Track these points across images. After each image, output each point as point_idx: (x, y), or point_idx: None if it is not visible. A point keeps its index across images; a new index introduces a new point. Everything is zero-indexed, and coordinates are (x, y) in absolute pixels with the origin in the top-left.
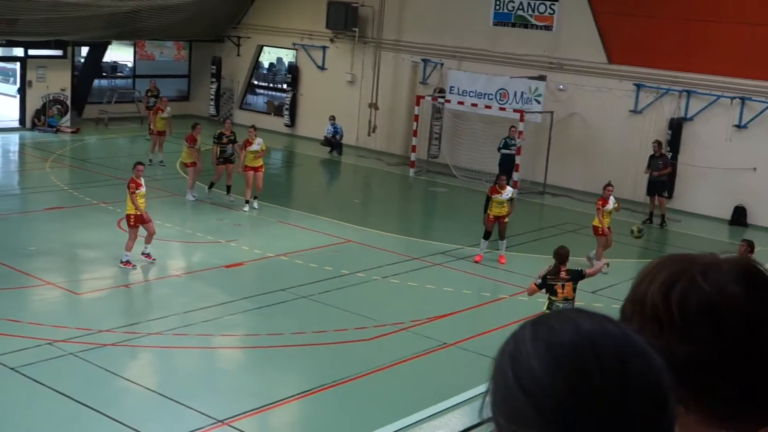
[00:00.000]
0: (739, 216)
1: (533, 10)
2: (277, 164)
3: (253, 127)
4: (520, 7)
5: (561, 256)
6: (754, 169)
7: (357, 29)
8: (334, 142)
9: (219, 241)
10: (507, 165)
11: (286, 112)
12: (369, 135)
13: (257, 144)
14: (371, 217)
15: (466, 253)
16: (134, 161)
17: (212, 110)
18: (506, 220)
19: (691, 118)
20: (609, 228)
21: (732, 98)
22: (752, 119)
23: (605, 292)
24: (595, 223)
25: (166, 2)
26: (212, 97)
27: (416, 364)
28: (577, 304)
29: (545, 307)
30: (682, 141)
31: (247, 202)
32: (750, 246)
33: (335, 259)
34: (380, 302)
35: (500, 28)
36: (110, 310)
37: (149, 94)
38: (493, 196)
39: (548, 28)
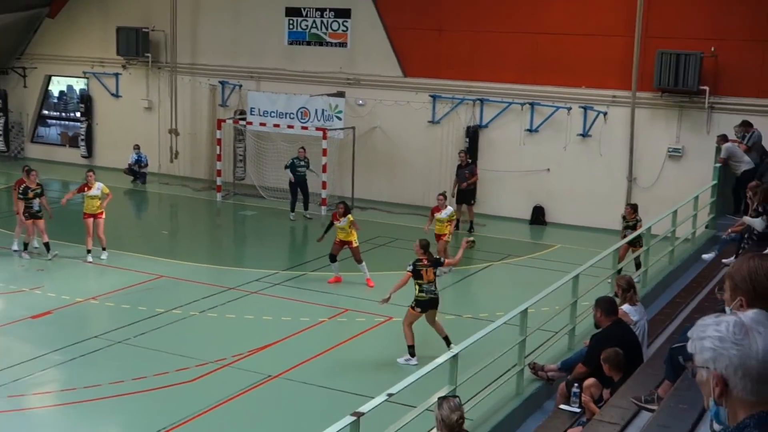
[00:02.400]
0: (538, 215)
1: (327, 28)
2: (77, 199)
3: (91, 170)
4: (314, 25)
5: (422, 246)
6: (548, 169)
7: (150, 54)
8: (137, 171)
9: (22, 289)
10: (299, 185)
11: (82, 143)
12: (172, 161)
13: (97, 188)
14: (181, 249)
15: (281, 278)
16: None
17: (1, 146)
18: (355, 244)
19: (486, 125)
20: (444, 235)
21: (522, 104)
22: (542, 123)
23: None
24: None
25: None
26: (0, 132)
27: (243, 400)
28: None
29: (416, 291)
30: (480, 147)
31: (88, 251)
32: (634, 208)
33: (148, 297)
34: (200, 339)
35: (296, 46)
36: None
37: None
38: (334, 223)
39: (343, 45)
